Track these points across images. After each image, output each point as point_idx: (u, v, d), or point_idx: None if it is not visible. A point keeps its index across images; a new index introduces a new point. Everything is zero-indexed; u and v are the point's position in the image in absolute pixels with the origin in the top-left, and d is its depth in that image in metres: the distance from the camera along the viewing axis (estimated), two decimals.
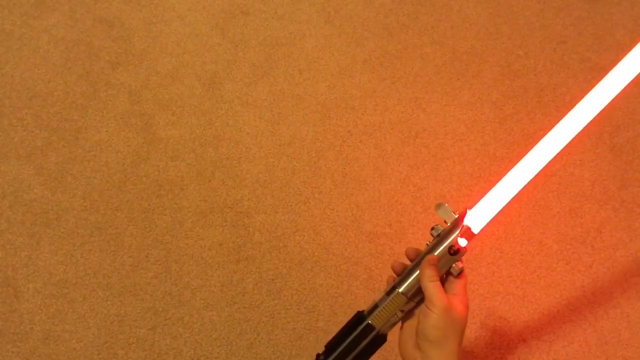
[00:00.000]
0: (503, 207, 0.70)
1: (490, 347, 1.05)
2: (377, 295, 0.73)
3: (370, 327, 0.71)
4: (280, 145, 1.21)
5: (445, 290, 0.67)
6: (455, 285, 0.69)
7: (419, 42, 1.31)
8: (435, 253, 0.69)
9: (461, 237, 0.69)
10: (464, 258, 0.70)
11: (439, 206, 0.70)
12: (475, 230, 0.69)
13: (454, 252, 0.68)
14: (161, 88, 1.26)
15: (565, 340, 1.06)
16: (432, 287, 0.66)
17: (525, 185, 0.70)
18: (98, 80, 1.26)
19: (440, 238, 0.70)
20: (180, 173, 1.18)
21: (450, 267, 0.69)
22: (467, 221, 0.69)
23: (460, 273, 0.69)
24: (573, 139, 0.69)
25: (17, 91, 1.24)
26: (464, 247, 0.69)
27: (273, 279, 1.09)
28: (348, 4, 1.36)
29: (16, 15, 1.32)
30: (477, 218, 0.70)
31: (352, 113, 1.24)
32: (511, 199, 0.70)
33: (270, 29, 1.33)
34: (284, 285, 1.09)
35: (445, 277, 0.70)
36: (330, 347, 0.73)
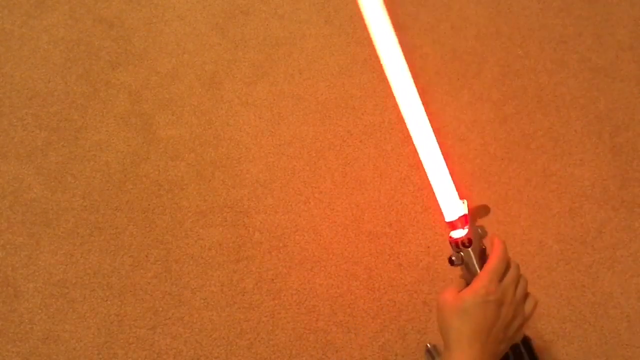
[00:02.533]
0: (447, 183, 0.76)
1: None
2: None
3: None
4: (280, 145, 1.21)
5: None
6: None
7: (419, 42, 1.31)
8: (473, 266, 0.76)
9: (462, 228, 0.76)
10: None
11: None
12: (452, 217, 0.76)
13: (466, 245, 0.75)
14: (161, 88, 1.26)
15: (565, 340, 1.06)
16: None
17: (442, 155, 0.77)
18: (98, 80, 1.26)
19: (466, 256, 0.76)
20: (180, 173, 1.18)
21: (480, 247, 0.76)
22: (457, 214, 0.77)
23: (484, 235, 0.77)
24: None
25: (17, 91, 1.24)
26: (467, 235, 0.75)
27: (273, 279, 1.09)
28: (348, 4, 1.36)
29: (16, 15, 1.32)
30: (450, 209, 0.77)
31: (352, 113, 1.24)
32: (441, 171, 0.76)
33: (270, 29, 1.33)
34: (284, 285, 1.09)
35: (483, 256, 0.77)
36: None
